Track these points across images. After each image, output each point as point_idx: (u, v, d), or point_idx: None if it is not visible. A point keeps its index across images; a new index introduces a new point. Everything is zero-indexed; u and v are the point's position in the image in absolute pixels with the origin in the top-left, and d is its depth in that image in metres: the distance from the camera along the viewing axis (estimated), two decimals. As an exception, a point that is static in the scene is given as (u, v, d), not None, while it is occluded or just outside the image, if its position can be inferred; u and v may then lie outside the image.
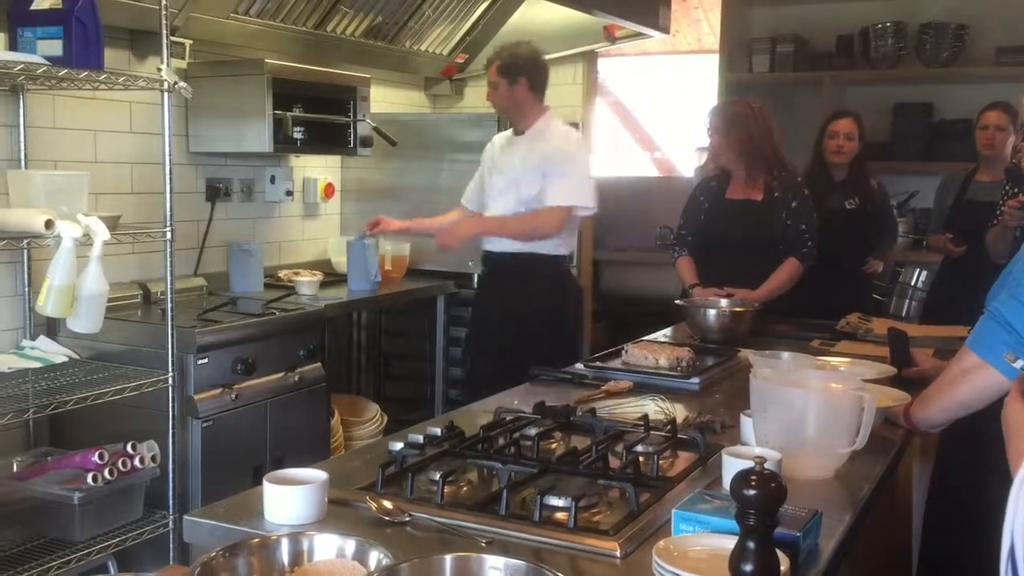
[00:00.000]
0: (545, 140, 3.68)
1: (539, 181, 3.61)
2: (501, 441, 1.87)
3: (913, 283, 5.33)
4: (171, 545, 2.91)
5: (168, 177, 2.92)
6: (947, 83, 5.62)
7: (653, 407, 2.25)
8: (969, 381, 1.91)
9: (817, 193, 4.27)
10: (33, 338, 3.12)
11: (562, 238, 3.71)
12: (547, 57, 4.90)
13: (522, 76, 3.67)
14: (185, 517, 1.56)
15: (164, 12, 2.83)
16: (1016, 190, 4.07)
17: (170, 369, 2.90)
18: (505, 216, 3.70)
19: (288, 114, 3.66)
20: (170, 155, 2.91)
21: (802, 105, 5.80)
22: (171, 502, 2.93)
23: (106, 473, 2.72)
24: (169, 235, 2.93)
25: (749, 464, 1.26)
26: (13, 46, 2.77)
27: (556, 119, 3.79)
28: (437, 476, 1.61)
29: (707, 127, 3.75)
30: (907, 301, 5.35)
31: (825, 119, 4.42)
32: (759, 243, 3.61)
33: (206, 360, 3.04)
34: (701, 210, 3.76)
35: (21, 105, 3.04)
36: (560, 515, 1.51)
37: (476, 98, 5.14)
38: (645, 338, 3.05)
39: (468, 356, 3.95)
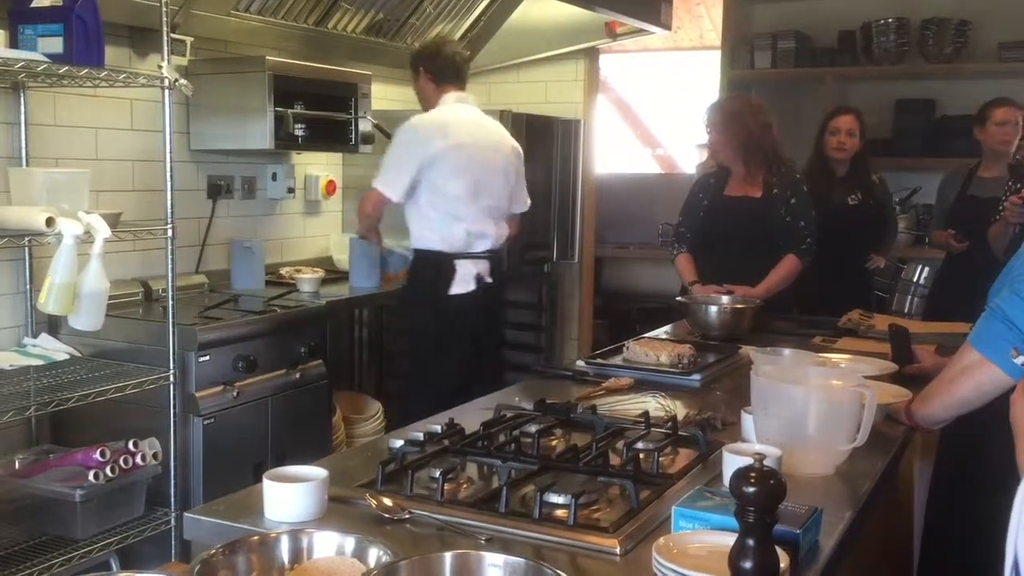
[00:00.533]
0: None
1: None
2: (501, 438, 1.87)
3: (915, 279, 5.33)
4: (173, 542, 2.91)
5: (169, 174, 2.92)
6: (949, 79, 5.61)
7: (654, 404, 2.24)
8: (971, 378, 1.91)
9: (819, 189, 4.27)
10: (35, 336, 3.12)
11: (431, 229, 3.56)
12: (547, 54, 4.94)
13: (420, 66, 3.68)
14: (185, 515, 1.56)
15: (165, 9, 2.83)
16: (1019, 186, 4.06)
17: (171, 366, 2.90)
18: None
19: (289, 111, 3.65)
20: (171, 152, 2.91)
21: (804, 101, 5.80)
22: (173, 499, 2.93)
23: (108, 470, 2.72)
24: (170, 232, 2.93)
25: (749, 461, 1.26)
26: (14, 43, 2.77)
27: (449, 104, 3.63)
28: (437, 473, 1.60)
29: (705, 124, 3.73)
30: (909, 297, 5.35)
31: (826, 115, 4.42)
32: (758, 240, 3.60)
33: (207, 357, 3.04)
34: (700, 207, 3.74)
35: (22, 102, 3.04)
36: (560, 512, 1.51)
37: (478, 95, 5.09)
38: (646, 335, 3.05)
39: None
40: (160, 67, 2.86)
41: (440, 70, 3.65)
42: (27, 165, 3.05)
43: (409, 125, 3.56)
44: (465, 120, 3.64)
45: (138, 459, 2.82)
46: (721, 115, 3.67)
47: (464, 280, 3.57)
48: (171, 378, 2.90)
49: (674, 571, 1.27)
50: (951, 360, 2.05)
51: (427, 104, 3.71)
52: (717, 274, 3.54)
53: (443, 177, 3.50)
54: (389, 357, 4.79)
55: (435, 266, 3.55)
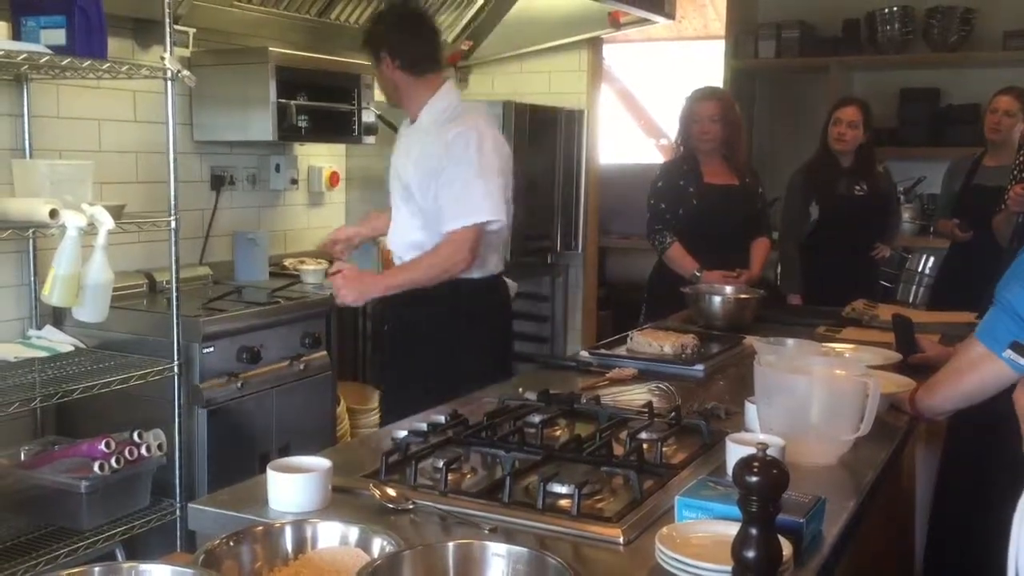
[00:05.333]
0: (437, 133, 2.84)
1: (434, 187, 2.82)
2: (505, 428, 1.87)
3: (920, 269, 5.33)
4: (178, 533, 2.92)
5: (173, 166, 2.91)
6: (954, 68, 5.60)
7: (657, 394, 2.24)
8: (976, 372, 1.89)
9: (825, 179, 4.29)
10: (39, 327, 3.12)
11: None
12: (550, 44, 4.93)
13: (383, 52, 2.89)
14: (190, 505, 1.56)
15: (167, 0, 2.82)
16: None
17: (176, 358, 2.91)
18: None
19: (292, 102, 3.65)
20: (174, 144, 2.91)
21: (808, 91, 5.80)
22: (178, 490, 2.94)
23: (113, 461, 2.73)
24: (174, 224, 2.93)
25: (753, 451, 1.26)
26: (16, 35, 2.77)
27: (451, 96, 2.93)
28: (440, 463, 1.61)
29: (696, 115, 3.80)
30: (914, 287, 5.35)
31: (832, 105, 4.42)
32: (741, 225, 3.83)
33: (212, 349, 3.04)
34: (686, 194, 3.80)
35: (25, 94, 3.04)
36: (563, 502, 1.51)
37: (481, 85, 5.12)
38: (649, 325, 3.05)
39: None
40: (163, 58, 2.85)
41: (415, 55, 2.91)
42: (30, 157, 3.05)
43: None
44: None
45: (143, 450, 2.82)
46: (721, 105, 3.79)
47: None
48: (175, 369, 2.91)
49: (677, 560, 1.27)
50: (958, 350, 2.04)
51: (398, 97, 2.99)
52: (706, 260, 3.68)
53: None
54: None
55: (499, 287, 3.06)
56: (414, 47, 2.89)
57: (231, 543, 1.27)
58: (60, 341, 3.05)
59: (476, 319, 2.93)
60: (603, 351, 2.66)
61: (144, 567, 1.17)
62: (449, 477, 1.59)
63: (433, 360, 2.90)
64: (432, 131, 2.87)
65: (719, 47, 6.22)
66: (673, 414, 1.97)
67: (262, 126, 3.61)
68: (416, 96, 2.92)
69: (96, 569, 1.17)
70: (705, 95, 3.85)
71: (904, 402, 2.10)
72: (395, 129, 3.99)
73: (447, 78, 3.01)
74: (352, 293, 2.90)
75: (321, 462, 1.55)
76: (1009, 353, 1.78)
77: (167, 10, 2.83)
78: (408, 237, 2.94)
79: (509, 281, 3.17)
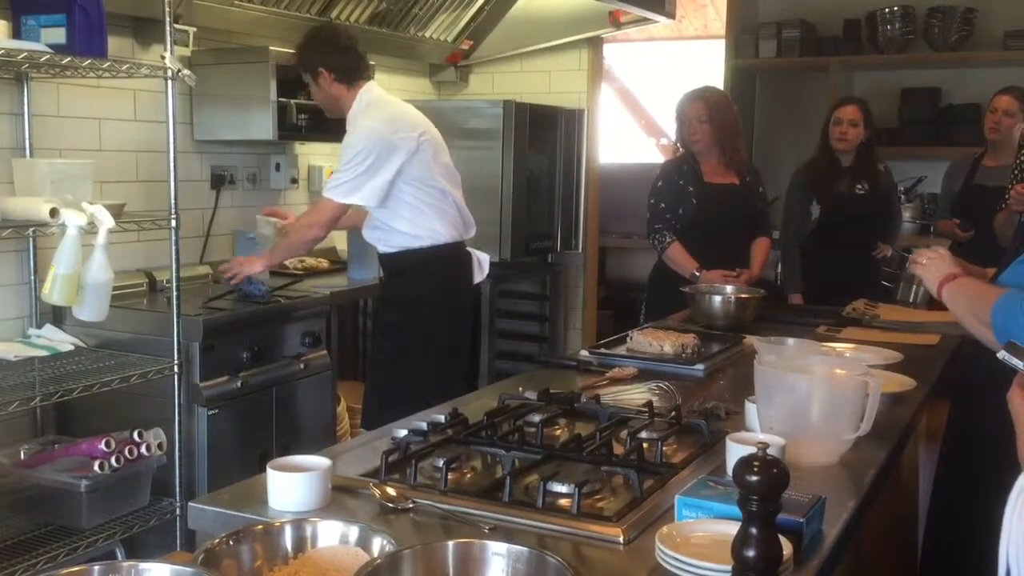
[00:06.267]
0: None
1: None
2: (505, 427, 1.87)
3: (921, 269, 5.31)
4: (178, 532, 2.93)
5: (173, 165, 2.92)
6: (955, 67, 5.60)
7: (657, 393, 2.24)
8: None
9: (826, 178, 4.29)
10: (39, 326, 3.13)
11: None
12: (551, 44, 4.93)
13: (321, 68, 3.25)
14: (190, 504, 1.56)
15: (167, -1, 2.83)
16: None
17: (176, 357, 2.91)
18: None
19: (292, 101, 3.66)
20: (175, 143, 2.91)
21: (809, 91, 5.80)
22: (178, 489, 2.94)
23: (113, 461, 2.73)
24: (174, 223, 2.93)
25: (753, 450, 1.26)
26: (17, 34, 2.77)
27: (368, 95, 3.28)
28: (440, 463, 1.61)
29: (683, 114, 3.82)
30: (914, 287, 5.33)
31: (832, 105, 4.42)
32: (741, 225, 3.84)
33: (212, 348, 3.04)
34: (686, 194, 3.80)
35: (25, 93, 3.04)
36: (563, 501, 1.51)
37: (481, 85, 5.13)
38: (650, 324, 3.05)
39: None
40: (163, 57, 2.86)
41: (349, 66, 3.28)
42: (31, 156, 3.05)
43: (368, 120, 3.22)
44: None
45: (143, 449, 2.82)
46: (707, 105, 3.78)
47: (480, 268, 3.47)
48: (176, 368, 2.91)
49: (677, 560, 1.27)
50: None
51: (338, 109, 3.36)
52: (705, 260, 3.68)
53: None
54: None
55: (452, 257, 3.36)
56: (345, 60, 3.27)
57: (231, 542, 1.27)
58: (60, 340, 3.05)
59: (431, 282, 3.28)
60: (603, 350, 2.66)
61: (144, 566, 1.17)
62: (449, 476, 1.59)
63: (396, 323, 3.34)
64: (350, 125, 3.27)
65: (719, 47, 6.21)
66: (673, 413, 1.96)
67: (262, 125, 3.62)
68: (348, 102, 3.30)
69: (96, 568, 1.17)
70: (691, 97, 3.83)
71: (936, 282, 2.07)
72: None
73: (367, 79, 3.35)
74: (241, 268, 3.28)
75: (321, 461, 1.55)
76: (1003, 353, 1.76)
77: (167, 9, 2.83)
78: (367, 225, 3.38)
79: (478, 253, 3.48)
